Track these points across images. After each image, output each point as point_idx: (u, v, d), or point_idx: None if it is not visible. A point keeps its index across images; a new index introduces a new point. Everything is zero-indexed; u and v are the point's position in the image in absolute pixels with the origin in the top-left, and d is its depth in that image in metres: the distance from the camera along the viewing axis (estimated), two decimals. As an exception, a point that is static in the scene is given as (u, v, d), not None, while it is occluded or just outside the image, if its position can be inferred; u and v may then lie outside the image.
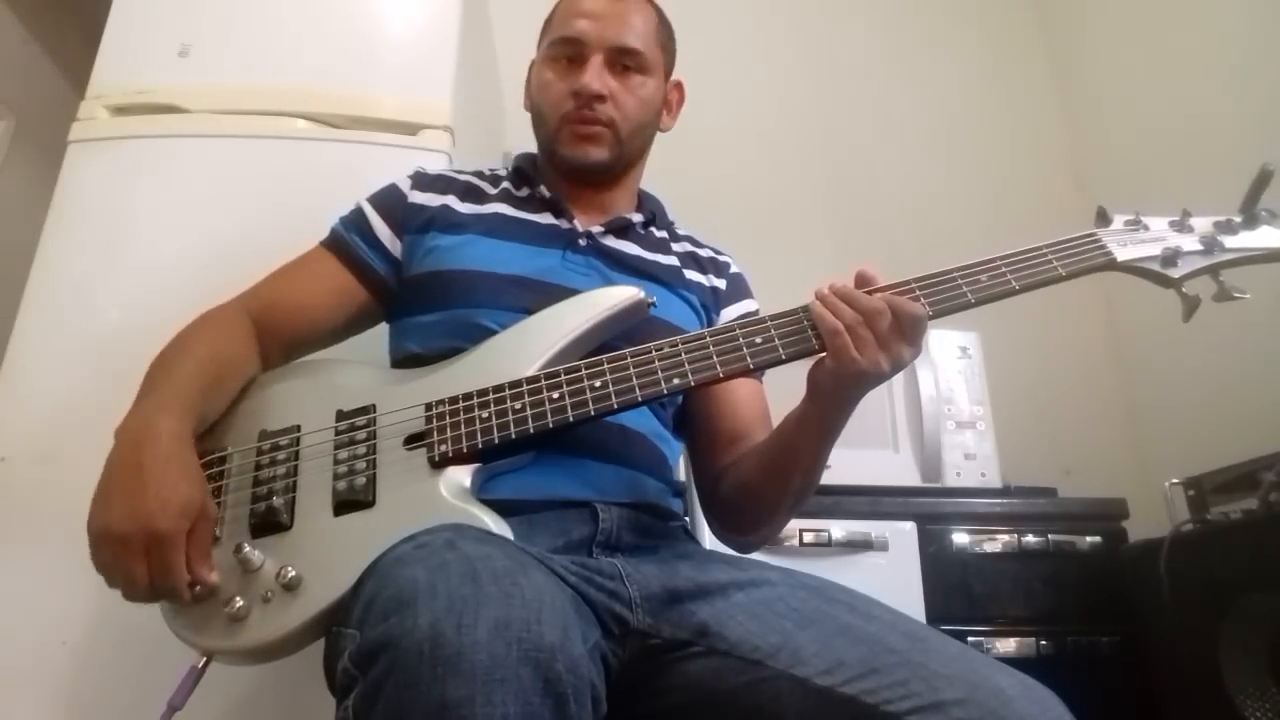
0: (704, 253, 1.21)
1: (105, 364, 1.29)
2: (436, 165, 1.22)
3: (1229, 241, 0.96)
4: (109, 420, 1.24)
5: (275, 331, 1.05)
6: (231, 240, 1.36)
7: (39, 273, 1.34)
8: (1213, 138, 2.05)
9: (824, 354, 0.88)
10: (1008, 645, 1.59)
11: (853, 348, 0.84)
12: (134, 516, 0.79)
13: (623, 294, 0.97)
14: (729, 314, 1.16)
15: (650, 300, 0.97)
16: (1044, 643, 1.60)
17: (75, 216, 1.37)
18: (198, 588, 0.82)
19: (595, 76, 1.09)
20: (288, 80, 1.47)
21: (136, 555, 0.79)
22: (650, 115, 1.16)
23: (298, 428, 0.93)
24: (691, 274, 1.16)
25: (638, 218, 1.16)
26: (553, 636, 0.61)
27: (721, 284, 1.18)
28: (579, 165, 1.11)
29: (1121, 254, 0.95)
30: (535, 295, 1.00)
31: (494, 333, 0.98)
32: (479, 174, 1.19)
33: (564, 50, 1.12)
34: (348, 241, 1.11)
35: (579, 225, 1.11)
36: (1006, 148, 2.62)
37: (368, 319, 1.12)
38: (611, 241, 1.12)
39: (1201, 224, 0.98)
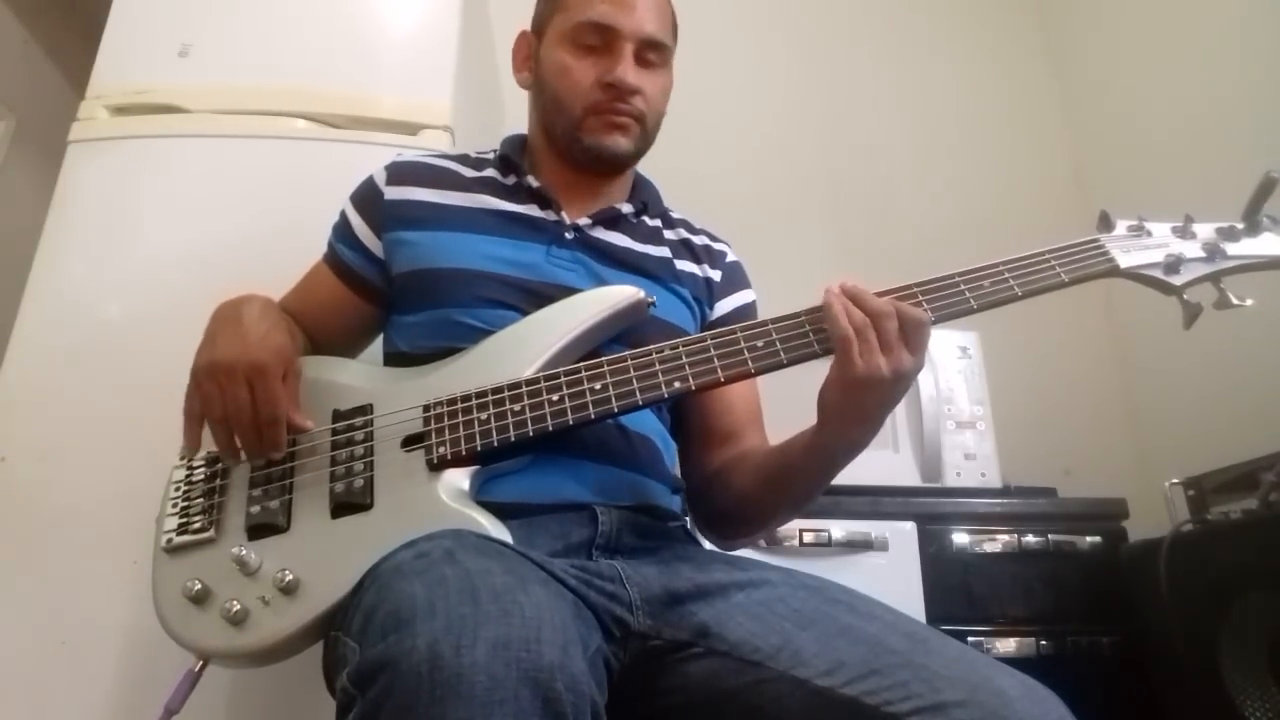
0: (698, 240, 1.18)
1: (105, 364, 1.29)
2: (416, 153, 1.19)
3: (1231, 249, 0.95)
4: (109, 420, 1.26)
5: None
6: (231, 240, 1.36)
7: (39, 273, 1.34)
8: (1213, 138, 2.04)
9: (827, 358, 0.87)
10: (1008, 645, 1.59)
11: (857, 354, 0.83)
12: (238, 349, 0.90)
13: (622, 294, 0.96)
14: (724, 306, 1.15)
15: (650, 300, 0.97)
16: (1044, 643, 1.59)
17: (75, 216, 1.38)
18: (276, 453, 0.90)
19: (631, 70, 1.05)
20: (288, 80, 1.47)
21: (240, 383, 0.88)
22: (666, 106, 1.13)
23: (294, 428, 0.93)
24: (683, 265, 1.13)
25: (628, 208, 1.12)
26: (552, 655, 0.61)
27: (716, 275, 1.16)
28: (605, 154, 1.07)
29: (1124, 260, 0.94)
30: (518, 292, 1.00)
31: (479, 331, 0.97)
32: (463, 159, 1.15)
33: (590, 36, 1.06)
34: (337, 252, 1.11)
35: (566, 217, 1.08)
36: (1007, 148, 2.61)
37: (378, 324, 1.13)
38: (600, 233, 1.09)
39: (1204, 230, 0.97)
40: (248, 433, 0.89)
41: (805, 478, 0.95)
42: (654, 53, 1.08)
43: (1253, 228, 0.96)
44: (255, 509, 0.88)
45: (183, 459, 0.95)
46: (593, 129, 1.07)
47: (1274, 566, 1.36)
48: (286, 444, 0.90)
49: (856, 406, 0.86)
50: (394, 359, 1.06)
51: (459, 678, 0.57)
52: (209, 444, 0.93)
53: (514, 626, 0.61)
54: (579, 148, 1.08)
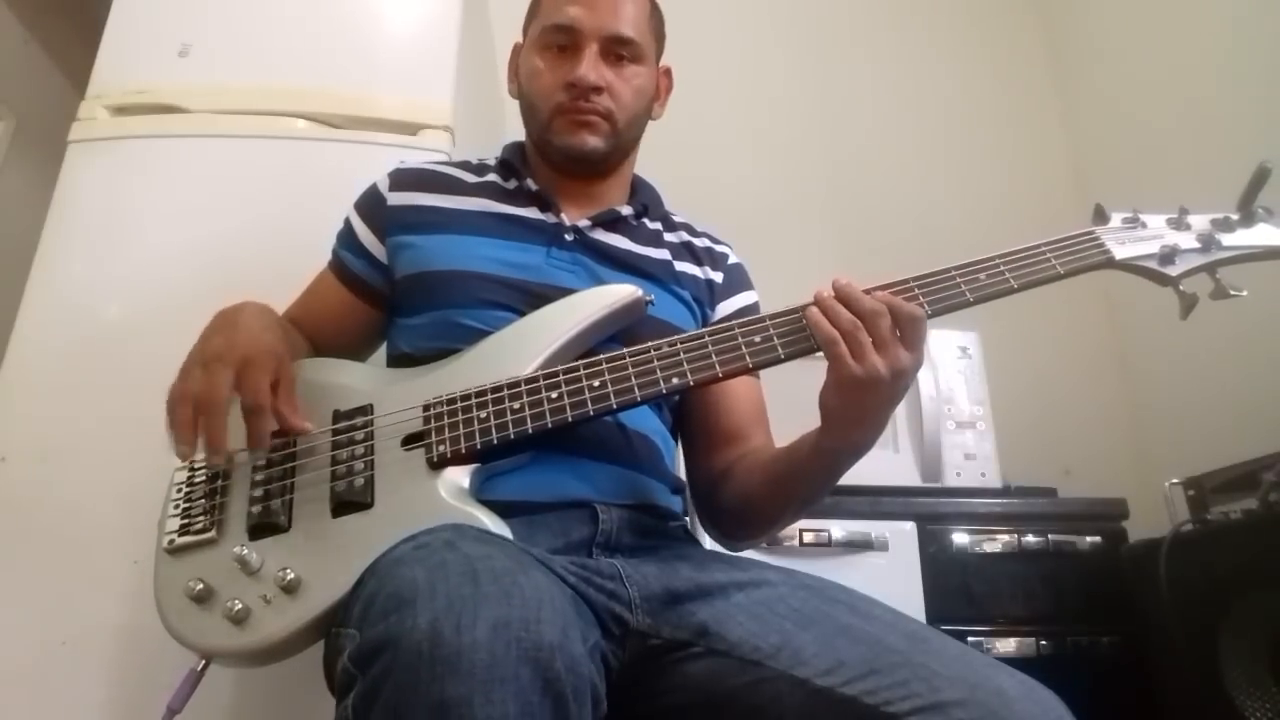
0: (700, 243, 1.18)
1: (105, 364, 1.29)
2: (419, 158, 1.20)
3: (1226, 239, 0.96)
4: (109, 420, 1.26)
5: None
6: (231, 240, 1.36)
7: (39, 273, 1.34)
8: (1212, 137, 2.04)
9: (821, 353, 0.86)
10: (1008, 645, 1.59)
11: (849, 355, 0.82)
12: (230, 344, 0.89)
13: (620, 292, 0.97)
14: (726, 308, 1.15)
15: (648, 298, 0.97)
16: (1044, 643, 1.60)
17: (75, 216, 1.38)
18: (221, 457, 0.87)
19: (591, 67, 1.05)
20: (288, 80, 1.47)
21: (228, 369, 0.87)
22: (645, 104, 1.13)
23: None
24: (684, 266, 1.13)
25: (627, 210, 1.13)
26: (552, 635, 0.61)
27: (718, 277, 1.16)
28: (576, 153, 1.08)
29: (1119, 252, 0.95)
30: (519, 294, 1.00)
31: (479, 333, 0.97)
32: (464, 165, 1.16)
33: (556, 38, 1.08)
34: (342, 259, 1.12)
35: (566, 219, 1.09)
36: (1006, 147, 2.61)
37: (383, 329, 1.13)
38: (600, 235, 1.09)
39: (1199, 222, 0.97)
40: (215, 413, 0.85)
41: (810, 480, 0.95)
42: (623, 49, 1.09)
43: (1247, 218, 0.96)
44: (256, 509, 0.88)
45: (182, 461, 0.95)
46: (560, 129, 1.08)
47: (1274, 566, 1.36)
48: (268, 439, 0.88)
49: (856, 407, 0.85)
50: (396, 360, 1.06)
51: (459, 655, 0.58)
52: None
53: (514, 607, 0.62)
54: (552, 149, 1.10)
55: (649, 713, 0.83)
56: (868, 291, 0.86)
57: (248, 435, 0.88)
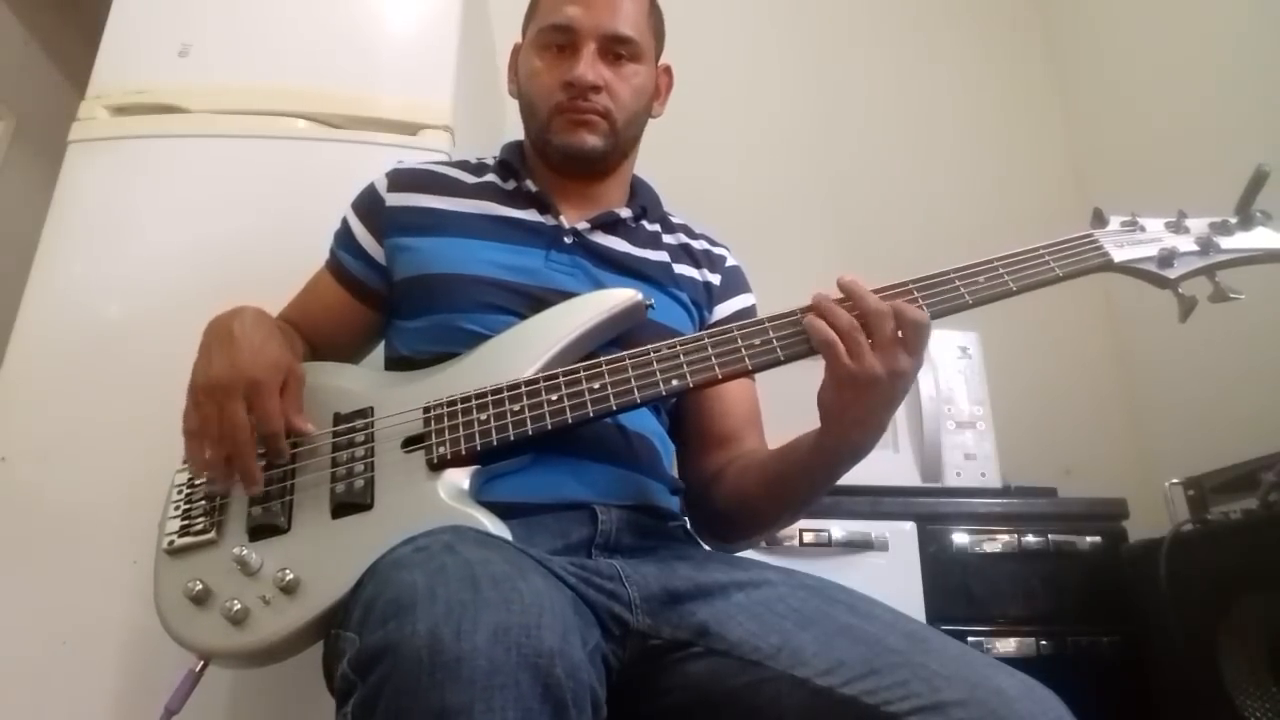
0: (698, 245, 1.18)
1: (105, 364, 1.29)
2: (417, 158, 1.20)
3: (1225, 242, 0.96)
4: (109, 420, 1.26)
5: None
6: (231, 240, 1.36)
7: (39, 273, 1.34)
8: (1212, 138, 2.04)
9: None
10: (1008, 645, 1.59)
11: (845, 355, 0.82)
12: (233, 366, 0.88)
13: (621, 296, 0.97)
14: (723, 310, 1.15)
15: (649, 302, 0.97)
16: (1044, 643, 1.59)
17: (75, 216, 1.38)
18: (260, 487, 0.88)
19: (589, 66, 1.06)
20: (288, 80, 1.47)
21: (237, 401, 0.87)
22: (644, 103, 1.13)
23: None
24: (682, 269, 1.13)
25: (626, 212, 1.13)
26: (552, 641, 0.61)
27: (715, 279, 1.16)
28: (575, 152, 1.08)
29: (1118, 255, 0.95)
30: (519, 297, 1.00)
31: (480, 337, 0.97)
32: (463, 165, 1.16)
33: (554, 38, 1.08)
34: (340, 260, 1.12)
35: (565, 222, 1.09)
36: (1007, 148, 2.61)
37: (380, 329, 1.13)
38: (599, 238, 1.10)
39: (1197, 225, 0.98)
40: (244, 453, 0.87)
41: (807, 481, 0.95)
42: (621, 48, 1.09)
43: (1245, 221, 0.97)
44: (256, 510, 0.88)
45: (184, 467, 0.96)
46: (559, 129, 1.08)
47: (1274, 566, 1.36)
48: (287, 453, 0.90)
49: (854, 406, 0.85)
50: (395, 364, 1.06)
51: (459, 661, 0.58)
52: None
53: (514, 613, 0.61)
54: (551, 149, 1.10)
55: (649, 713, 0.83)
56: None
57: (269, 451, 0.89)
